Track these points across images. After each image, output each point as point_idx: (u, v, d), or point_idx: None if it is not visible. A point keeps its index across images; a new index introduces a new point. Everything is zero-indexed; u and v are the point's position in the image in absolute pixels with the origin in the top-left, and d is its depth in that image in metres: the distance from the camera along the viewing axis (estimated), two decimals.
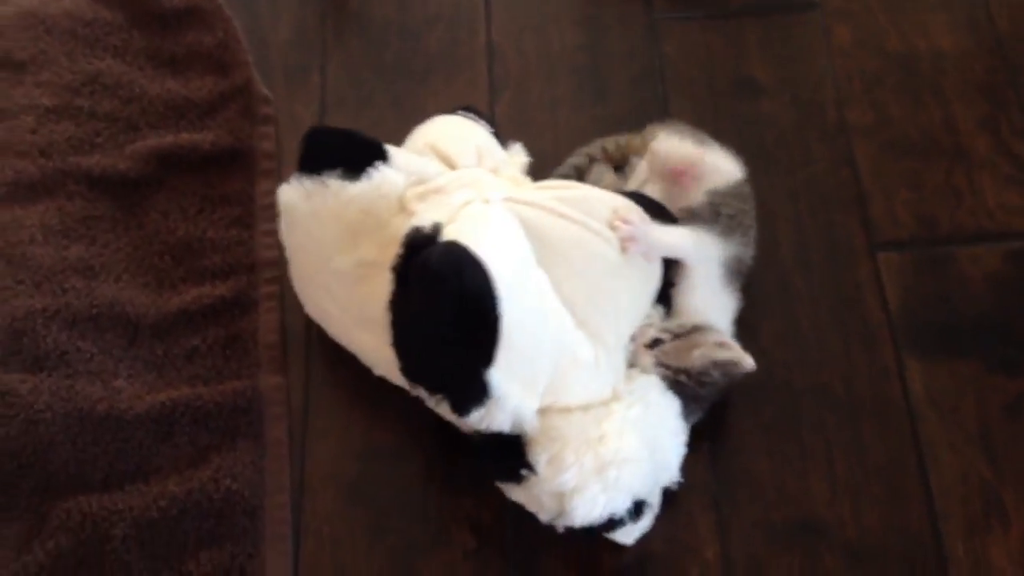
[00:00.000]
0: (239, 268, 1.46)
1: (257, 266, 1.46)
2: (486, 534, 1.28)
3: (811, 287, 1.43)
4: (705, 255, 1.30)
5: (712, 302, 1.32)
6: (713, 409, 1.34)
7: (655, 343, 1.27)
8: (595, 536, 1.24)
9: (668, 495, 1.28)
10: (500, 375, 1.15)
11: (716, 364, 1.26)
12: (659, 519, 1.27)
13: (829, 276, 1.44)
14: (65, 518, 1.27)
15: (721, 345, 1.27)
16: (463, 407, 1.17)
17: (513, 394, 1.16)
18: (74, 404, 1.33)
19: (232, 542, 1.27)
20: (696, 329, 1.28)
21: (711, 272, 1.31)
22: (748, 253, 1.35)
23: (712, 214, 1.32)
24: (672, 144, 1.36)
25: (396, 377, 1.29)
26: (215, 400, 1.35)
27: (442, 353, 1.15)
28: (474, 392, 1.15)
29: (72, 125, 1.57)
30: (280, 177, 1.53)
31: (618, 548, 1.26)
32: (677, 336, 1.28)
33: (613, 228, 1.26)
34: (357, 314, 1.31)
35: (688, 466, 1.30)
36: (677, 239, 1.30)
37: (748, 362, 1.26)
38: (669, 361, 1.26)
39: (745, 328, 1.40)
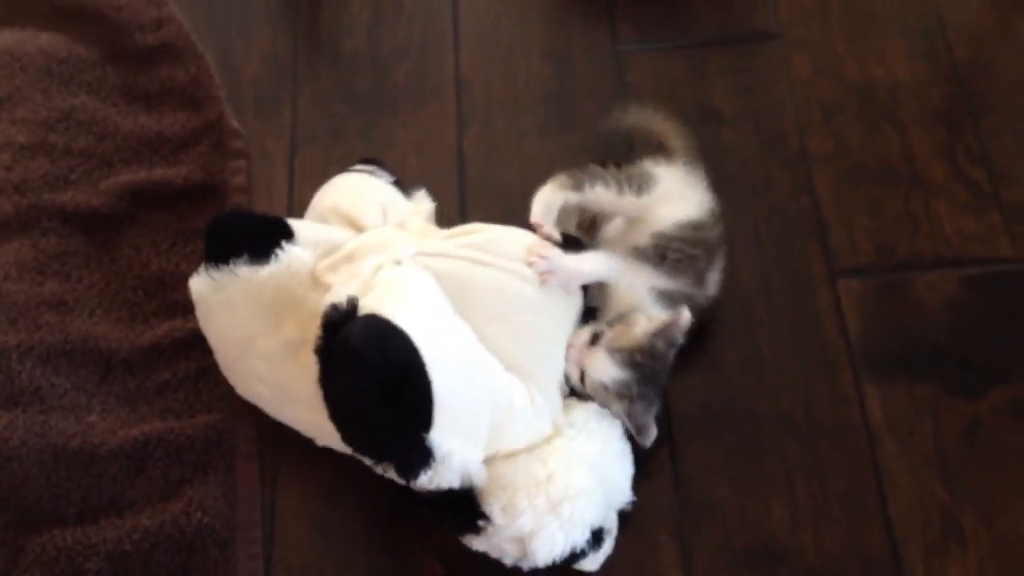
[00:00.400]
0: None
1: None
2: (455, 565, 1.30)
3: (772, 314, 1.46)
4: (624, 276, 1.33)
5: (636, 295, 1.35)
6: (676, 436, 1.37)
7: (595, 338, 1.30)
8: (560, 572, 1.26)
9: (632, 523, 1.30)
10: (440, 435, 1.16)
11: (656, 334, 1.28)
12: (624, 545, 1.30)
13: (790, 303, 1.47)
14: (40, 552, 1.29)
15: (651, 318, 1.29)
16: (410, 472, 1.17)
17: (456, 450, 1.17)
18: (48, 439, 1.35)
19: (204, 574, 1.29)
20: (628, 314, 1.31)
21: (635, 286, 1.34)
22: (702, 293, 1.38)
23: (657, 256, 1.35)
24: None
25: (340, 446, 1.28)
26: (187, 433, 1.37)
27: (379, 425, 1.16)
28: (418, 456, 1.16)
29: (47, 162, 1.59)
30: (252, 210, 1.56)
31: (585, 574, 1.29)
32: (611, 324, 1.30)
33: (529, 264, 1.29)
34: (289, 393, 1.31)
35: (652, 493, 1.33)
36: (593, 266, 1.33)
37: (684, 317, 1.28)
38: (620, 344, 1.28)
39: (708, 354, 1.43)
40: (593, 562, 1.27)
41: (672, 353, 1.30)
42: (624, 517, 1.30)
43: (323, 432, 1.30)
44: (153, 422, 1.38)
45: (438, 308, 1.23)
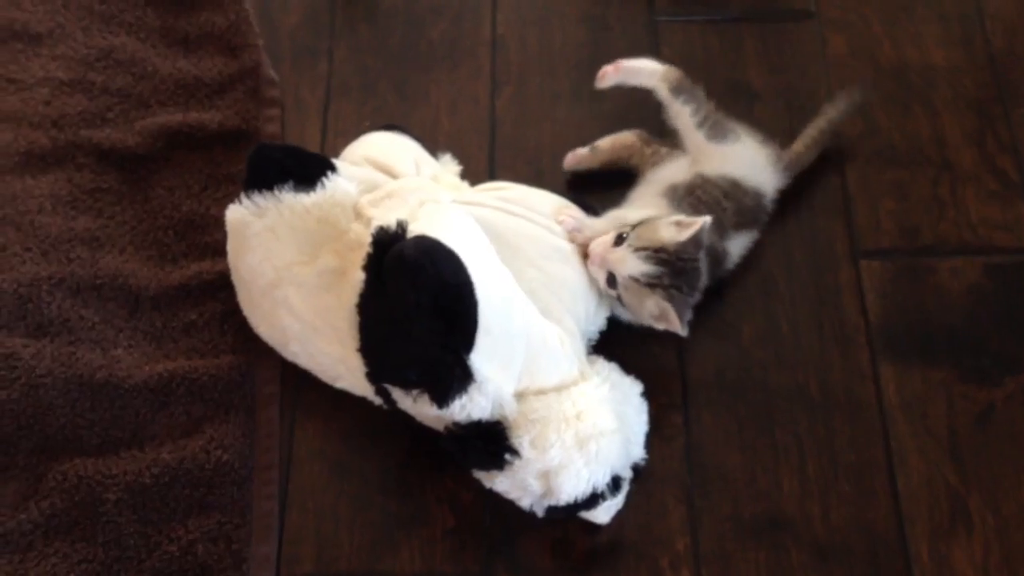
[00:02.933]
0: None
1: None
2: (465, 513, 1.33)
3: (792, 289, 1.47)
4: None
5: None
6: (690, 404, 1.39)
7: (620, 239, 1.32)
8: (573, 516, 1.28)
9: (642, 487, 1.32)
10: (481, 359, 1.18)
11: (683, 240, 1.29)
12: (633, 509, 1.32)
13: (811, 279, 1.48)
14: (61, 480, 1.32)
15: (678, 223, 1.31)
16: (445, 396, 1.19)
17: (493, 377, 1.20)
18: (74, 370, 1.38)
19: (220, 511, 1.31)
20: (649, 219, 1.34)
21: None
22: (721, 245, 1.40)
23: (686, 192, 1.39)
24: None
25: (360, 387, 1.31)
26: (210, 373, 1.39)
27: (423, 343, 1.18)
28: (456, 378, 1.18)
29: (85, 99, 1.61)
30: None
31: (591, 532, 1.31)
32: (634, 227, 1.33)
33: (559, 222, 1.34)
34: (320, 325, 1.32)
35: (663, 459, 1.35)
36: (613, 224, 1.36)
37: (705, 218, 1.30)
38: (644, 244, 1.30)
39: (725, 325, 1.44)
40: (605, 512, 1.29)
41: (701, 253, 1.32)
42: (634, 480, 1.31)
43: (346, 369, 1.32)
44: (178, 359, 1.41)
45: (483, 243, 1.26)
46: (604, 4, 1.72)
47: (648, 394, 1.37)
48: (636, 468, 1.29)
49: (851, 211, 1.53)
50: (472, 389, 1.20)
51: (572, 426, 1.22)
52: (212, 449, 1.34)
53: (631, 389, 1.31)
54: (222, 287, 1.45)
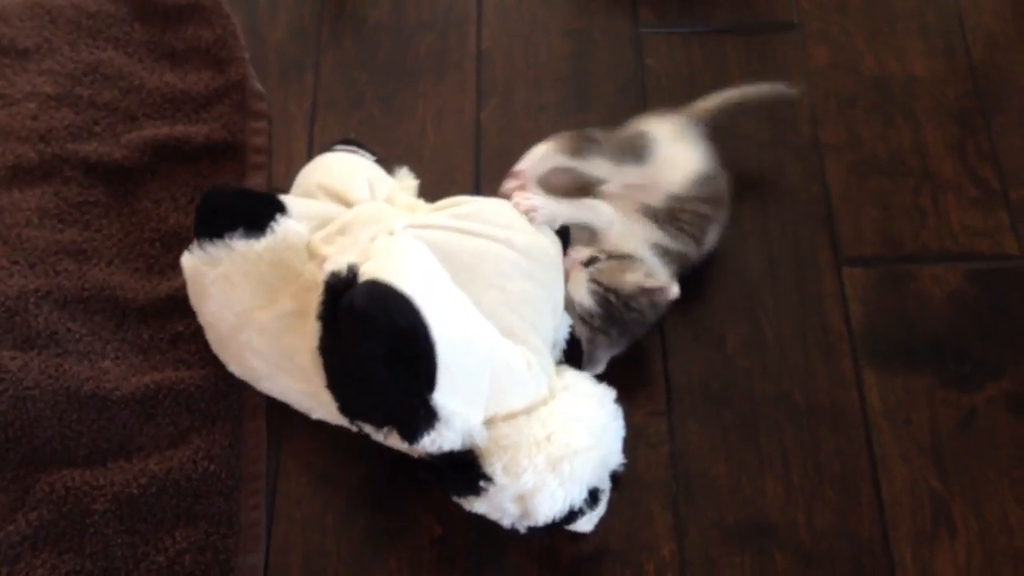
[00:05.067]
0: None
1: None
2: (451, 523, 1.33)
3: (776, 298, 1.48)
4: (617, 226, 1.39)
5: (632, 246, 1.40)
6: (675, 411, 1.39)
7: (591, 261, 1.35)
8: (556, 531, 1.29)
9: (627, 494, 1.33)
10: (444, 396, 1.17)
11: (644, 291, 1.33)
12: (619, 516, 1.32)
13: (795, 288, 1.49)
14: (49, 491, 1.32)
15: (650, 275, 1.35)
16: (413, 434, 1.19)
17: (459, 412, 1.19)
18: (62, 382, 1.38)
19: (208, 521, 1.32)
20: (629, 258, 1.36)
21: (629, 237, 1.39)
22: (698, 252, 1.43)
23: (668, 217, 1.40)
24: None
25: (335, 418, 1.31)
26: (197, 384, 1.40)
27: (383, 388, 1.17)
28: (422, 418, 1.18)
29: (72, 113, 1.62)
30: (270, 173, 1.59)
31: (577, 540, 1.32)
32: (611, 257, 1.35)
33: (515, 205, 1.33)
34: (286, 365, 1.32)
35: (648, 466, 1.36)
36: (582, 210, 1.38)
37: (674, 290, 1.33)
38: (602, 279, 1.34)
39: (710, 334, 1.45)
40: (588, 522, 1.29)
41: (654, 315, 1.36)
42: (619, 488, 1.32)
43: (318, 403, 1.32)
44: (165, 371, 1.41)
45: (435, 274, 1.24)
46: (588, 17, 1.73)
47: (633, 401, 1.39)
48: (615, 475, 1.29)
49: (834, 220, 1.54)
50: (439, 426, 1.19)
51: (543, 449, 1.22)
52: (199, 460, 1.35)
53: (604, 396, 1.30)
54: None
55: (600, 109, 1.63)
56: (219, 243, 1.31)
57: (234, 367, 1.39)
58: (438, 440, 1.20)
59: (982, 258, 1.51)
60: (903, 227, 1.53)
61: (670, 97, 1.64)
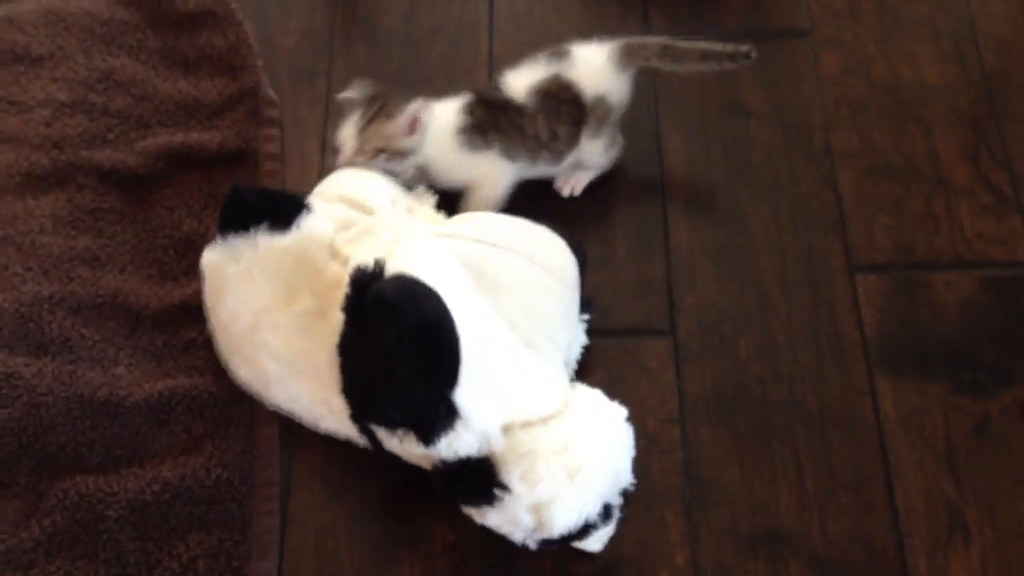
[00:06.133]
0: None
1: None
2: (464, 530, 1.33)
3: (789, 304, 1.48)
4: None
5: None
6: (687, 418, 1.39)
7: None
8: (567, 547, 1.28)
9: (640, 501, 1.33)
10: (465, 395, 1.18)
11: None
12: (632, 524, 1.32)
13: (807, 294, 1.49)
14: (62, 498, 1.32)
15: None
16: (431, 434, 1.19)
17: (479, 412, 1.19)
18: (75, 389, 1.38)
19: (221, 528, 1.32)
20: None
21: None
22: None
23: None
24: None
25: (344, 429, 1.31)
26: (210, 391, 1.40)
27: (406, 382, 1.17)
28: (441, 416, 1.17)
29: (85, 120, 1.62)
30: (284, 179, 1.59)
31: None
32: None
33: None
34: (300, 367, 1.31)
35: (662, 473, 1.36)
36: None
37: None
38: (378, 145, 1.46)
39: (722, 341, 1.45)
40: (598, 540, 1.29)
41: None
42: (632, 495, 1.31)
43: (328, 410, 1.31)
44: (178, 378, 1.41)
45: (460, 278, 1.25)
46: (599, 23, 1.73)
47: (646, 408, 1.39)
48: (625, 493, 1.28)
49: (847, 226, 1.54)
50: (458, 426, 1.19)
51: (561, 457, 1.21)
52: (212, 466, 1.35)
53: (617, 414, 1.29)
54: None
55: None
56: (244, 236, 1.32)
57: (244, 371, 1.38)
58: (455, 443, 1.20)
59: (995, 265, 1.50)
60: (916, 234, 1.53)
61: (682, 105, 1.65)
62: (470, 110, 1.49)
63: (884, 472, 1.36)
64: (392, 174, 1.46)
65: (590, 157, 1.54)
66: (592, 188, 1.57)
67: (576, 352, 1.39)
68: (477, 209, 1.48)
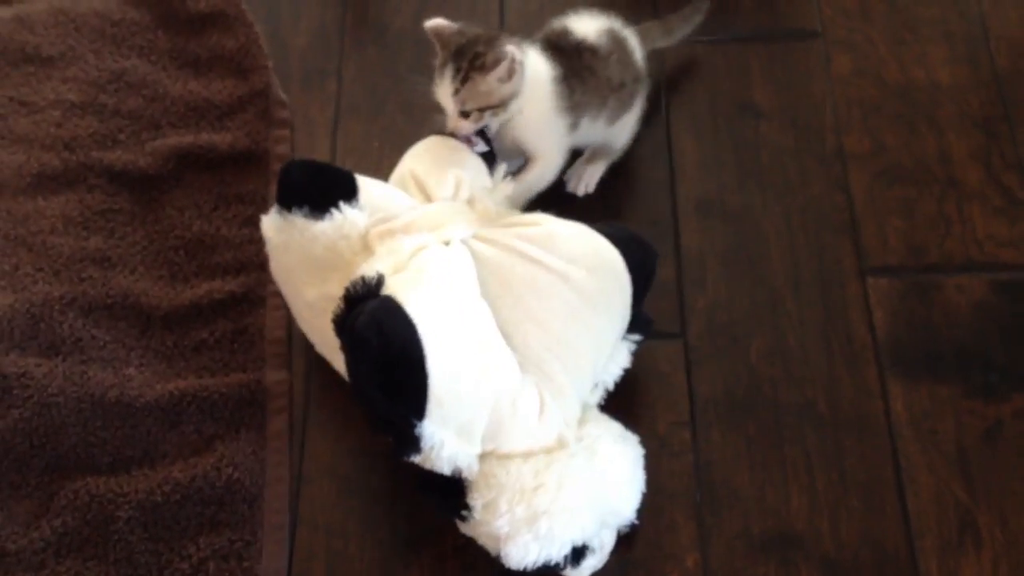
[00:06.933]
0: (249, 266, 1.51)
1: (267, 264, 1.50)
2: None
3: (800, 306, 1.48)
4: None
5: None
6: (699, 421, 1.39)
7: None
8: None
9: (651, 503, 1.32)
10: (433, 426, 1.18)
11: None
12: (643, 526, 1.32)
13: (818, 297, 1.48)
14: (73, 498, 1.33)
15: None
16: (400, 451, 1.21)
17: (448, 443, 1.19)
18: (86, 389, 1.39)
19: (231, 528, 1.32)
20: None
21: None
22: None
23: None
24: None
25: None
26: (221, 391, 1.40)
27: (376, 405, 1.19)
28: (408, 441, 1.19)
29: (96, 121, 1.63)
30: None
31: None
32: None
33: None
34: (329, 342, 1.31)
35: (672, 476, 1.36)
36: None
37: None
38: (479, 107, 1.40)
39: (733, 343, 1.45)
40: (578, 573, 1.27)
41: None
42: (643, 498, 1.31)
43: None
44: (189, 378, 1.42)
45: (462, 300, 1.23)
46: None
47: (656, 411, 1.38)
48: (633, 526, 1.29)
49: (858, 229, 1.53)
50: (425, 451, 1.20)
51: (527, 499, 1.19)
52: (223, 467, 1.35)
53: (622, 457, 1.28)
54: (232, 306, 1.47)
55: None
56: (286, 214, 1.34)
57: (299, 323, 1.45)
58: (427, 462, 1.22)
59: (1007, 268, 1.50)
60: (928, 236, 1.53)
61: (693, 105, 1.65)
62: (553, 57, 1.44)
63: (895, 475, 1.36)
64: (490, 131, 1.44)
65: (617, 136, 1.53)
66: (602, 189, 1.56)
67: (615, 373, 1.36)
68: (531, 185, 1.47)
